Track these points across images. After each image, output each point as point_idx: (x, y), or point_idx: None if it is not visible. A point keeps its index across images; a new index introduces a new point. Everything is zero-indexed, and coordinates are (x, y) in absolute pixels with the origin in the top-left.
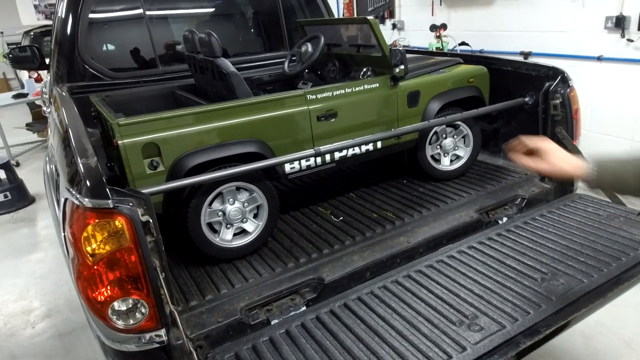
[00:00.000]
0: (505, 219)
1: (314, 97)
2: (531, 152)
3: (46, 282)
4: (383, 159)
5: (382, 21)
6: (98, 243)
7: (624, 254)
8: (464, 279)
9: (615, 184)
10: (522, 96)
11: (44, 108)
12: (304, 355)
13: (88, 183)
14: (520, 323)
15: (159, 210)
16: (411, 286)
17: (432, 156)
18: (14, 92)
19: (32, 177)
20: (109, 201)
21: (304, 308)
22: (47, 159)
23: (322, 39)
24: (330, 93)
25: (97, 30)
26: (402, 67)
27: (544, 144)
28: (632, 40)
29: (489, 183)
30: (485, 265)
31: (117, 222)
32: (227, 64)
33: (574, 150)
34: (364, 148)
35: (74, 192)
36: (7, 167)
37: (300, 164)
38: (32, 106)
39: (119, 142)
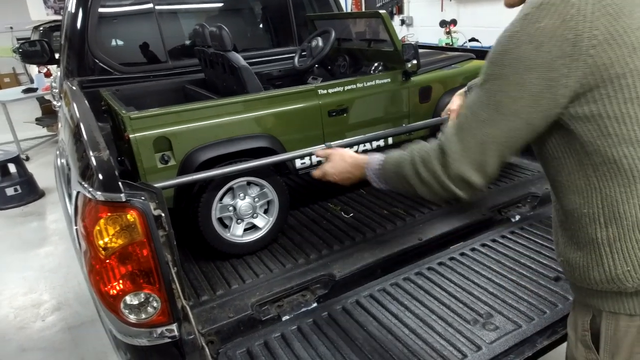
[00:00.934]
0: (517, 217)
1: (325, 91)
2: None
3: (56, 276)
4: None
5: (391, 17)
6: (110, 237)
7: None
8: (478, 277)
9: (394, 184)
10: None
11: (54, 102)
12: (316, 352)
13: (100, 176)
14: (537, 322)
15: (170, 204)
16: (423, 284)
17: None
18: (23, 87)
19: (42, 171)
20: (122, 195)
21: (314, 304)
22: (57, 153)
23: (333, 34)
24: (342, 88)
25: (106, 24)
26: (415, 61)
27: (332, 150)
28: None
29: (501, 180)
30: (499, 264)
31: (129, 216)
32: (238, 57)
33: None
34: (374, 144)
35: (86, 186)
36: (17, 161)
37: (310, 159)
38: (42, 101)
39: (131, 135)
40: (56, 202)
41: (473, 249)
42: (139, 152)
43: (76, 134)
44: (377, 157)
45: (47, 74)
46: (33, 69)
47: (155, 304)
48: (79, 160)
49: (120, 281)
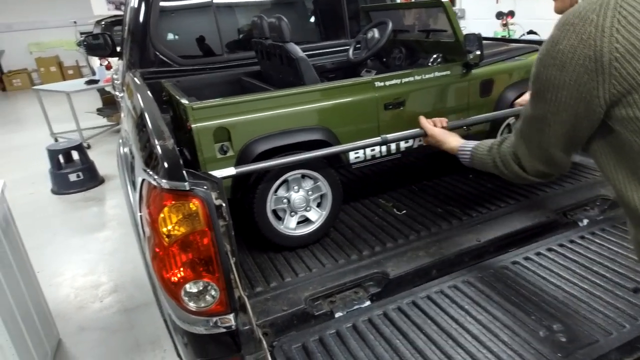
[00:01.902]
0: (586, 221)
1: (382, 84)
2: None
3: (113, 260)
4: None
5: None
6: (173, 225)
7: None
8: (545, 283)
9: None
10: None
11: (116, 94)
12: (373, 352)
13: (165, 164)
14: (615, 337)
15: (227, 195)
16: (485, 288)
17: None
18: (86, 79)
19: (102, 159)
20: (186, 183)
21: (367, 302)
22: (120, 142)
23: (390, 25)
24: (399, 80)
25: (167, 18)
26: (478, 52)
27: (434, 130)
28: None
29: (566, 181)
30: (569, 271)
31: (191, 205)
32: (296, 49)
33: None
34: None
35: (151, 173)
36: (79, 148)
37: (365, 152)
38: (102, 92)
39: (192, 125)
40: (115, 189)
41: (538, 254)
42: (200, 142)
43: (139, 124)
44: (467, 150)
45: (108, 67)
46: (95, 62)
47: (213, 293)
48: (143, 149)
49: (182, 269)
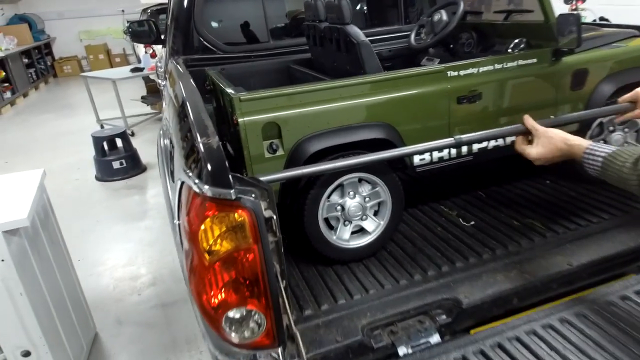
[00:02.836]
0: None
1: (456, 74)
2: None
3: (153, 250)
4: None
5: None
6: (215, 238)
7: None
8: None
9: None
10: None
11: (159, 82)
12: None
13: (209, 167)
14: None
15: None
16: (591, 332)
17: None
18: (131, 66)
19: (145, 147)
20: (232, 191)
21: (436, 336)
22: (161, 132)
23: (462, 5)
24: (476, 69)
25: (211, 3)
26: (575, 36)
27: (541, 129)
28: None
29: None
30: None
31: (237, 216)
32: (358, 32)
33: None
34: (508, 139)
35: (191, 176)
36: (123, 136)
37: (431, 155)
38: (147, 80)
39: (239, 119)
40: (157, 177)
41: None
42: (247, 139)
43: (180, 113)
44: (598, 156)
45: (153, 55)
46: (140, 50)
47: (259, 322)
48: (183, 139)
49: (223, 291)
